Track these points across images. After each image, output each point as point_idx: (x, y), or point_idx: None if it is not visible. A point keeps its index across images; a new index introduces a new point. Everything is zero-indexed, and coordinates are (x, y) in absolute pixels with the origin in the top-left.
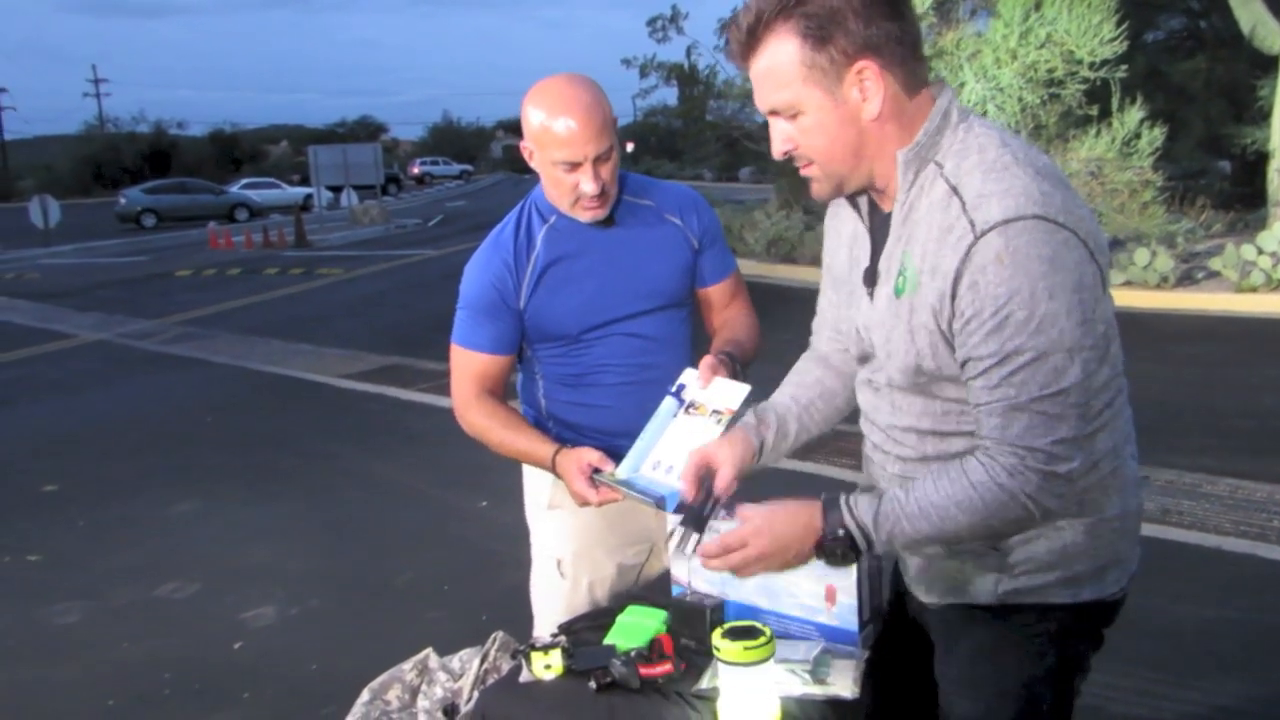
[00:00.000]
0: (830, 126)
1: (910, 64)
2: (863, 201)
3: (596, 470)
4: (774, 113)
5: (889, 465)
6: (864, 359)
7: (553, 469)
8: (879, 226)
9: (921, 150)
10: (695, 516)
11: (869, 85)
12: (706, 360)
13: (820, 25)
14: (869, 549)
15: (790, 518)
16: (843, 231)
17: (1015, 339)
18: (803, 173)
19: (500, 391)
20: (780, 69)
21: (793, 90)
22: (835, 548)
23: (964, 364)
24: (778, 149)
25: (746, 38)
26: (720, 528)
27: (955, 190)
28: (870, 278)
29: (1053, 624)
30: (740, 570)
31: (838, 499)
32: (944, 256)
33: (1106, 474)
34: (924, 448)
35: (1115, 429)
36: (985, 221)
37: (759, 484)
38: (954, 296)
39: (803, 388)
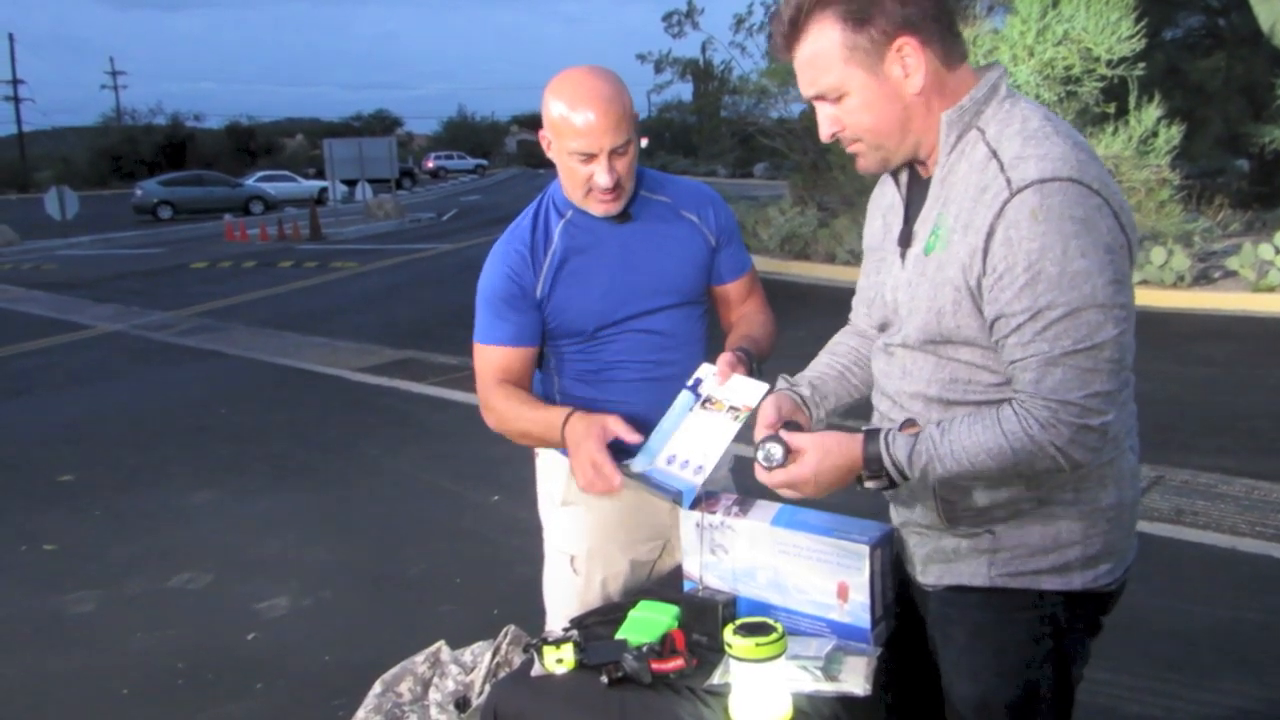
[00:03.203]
0: (875, 104)
1: (948, 38)
2: (903, 173)
3: (614, 451)
4: (819, 97)
5: None
6: (884, 326)
7: (561, 439)
8: (916, 193)
9: (965, 114)
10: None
11: (910, 61)
12: (724, 357)
13: (859, 8)
14: (905, 481)
15: (838, 447)
16: (881, 203)
17: (1047, 294)
18: (849, 149)
19: (525, 387)
20: (823, 54)
21: (836, 73)
22: (872, 480)
23: (995, 321)
24: (825, 132)
25: (789, 29)
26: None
27: (995, 153)
28: (905, 239)
29: (1047, 609)
30: (789, 487)
31: (878, 433)
32: (978, 213)
33: (1104, 463)
34: (929, 415)
35: (1119, 419)
36: (1022, 180)
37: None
38: (986, 252)
39: (837, 355)
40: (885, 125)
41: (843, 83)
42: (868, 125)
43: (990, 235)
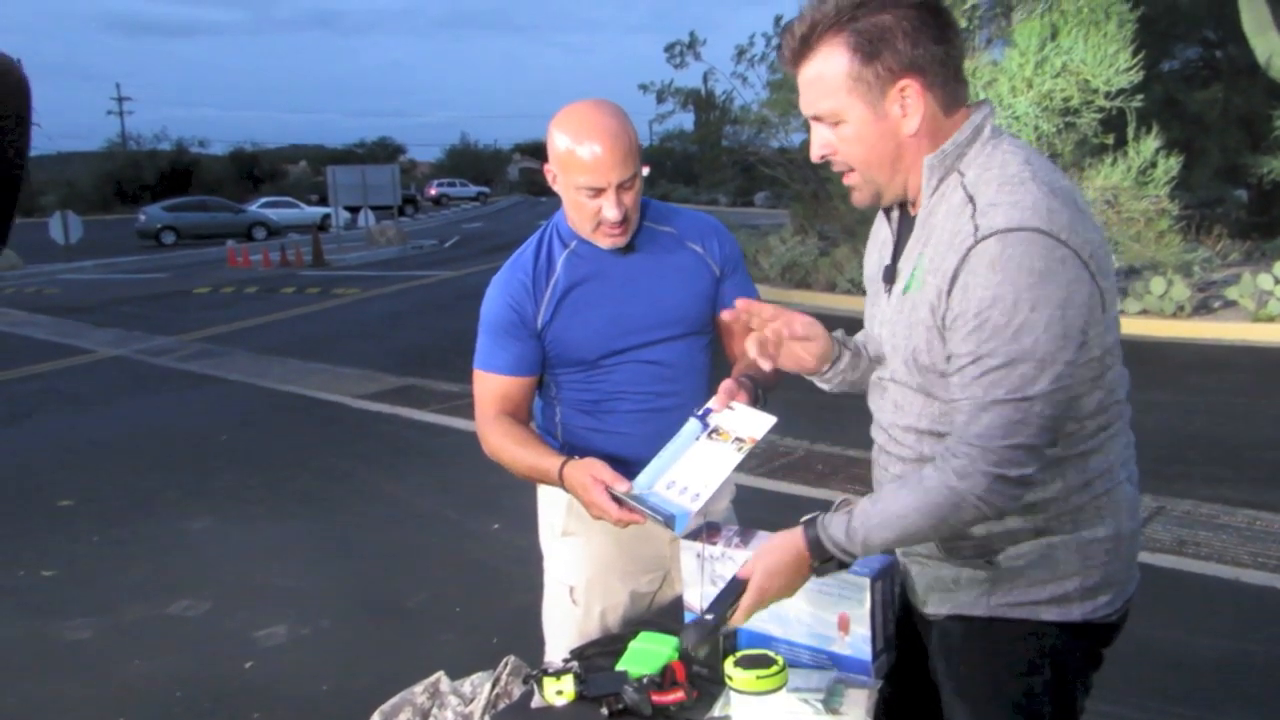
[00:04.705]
0: (869, 138)
1: (951, 85)
2: (894, 210)
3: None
4: (817, 118)
5: (891, 466)
6: (879, 359)
7: (560, 482)
8: (905, 230)
9: (947, 158)
10: (708, 628)
11: (910, 103)
12: (726, 384)
13: (870, 41)
14: (852, 559)
15: (780, 554)
16: (878, 237)
17: (989, 342)
18: (844, 180)
19: (523, 415)
20: (827, 78)
21: (837, 100)
22: (825, 569)
23: (948, 359)
24: (815, 153)
25: (799, 44)
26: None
27: (971, 198)
28: (889, 275)
29: (1046, 640)
30: (753, 611)
31: (814, 520)
32: (948, 257)
33: (1100, 494)
34: (921, 448)
35: (1110, 451)
36: (988, 228)
37: (781, 510)
38: (949, 295)
39: (873, 341)
40: (876, 159)
41: (841, 111)
42: (859, 157)
43: (954, 279)
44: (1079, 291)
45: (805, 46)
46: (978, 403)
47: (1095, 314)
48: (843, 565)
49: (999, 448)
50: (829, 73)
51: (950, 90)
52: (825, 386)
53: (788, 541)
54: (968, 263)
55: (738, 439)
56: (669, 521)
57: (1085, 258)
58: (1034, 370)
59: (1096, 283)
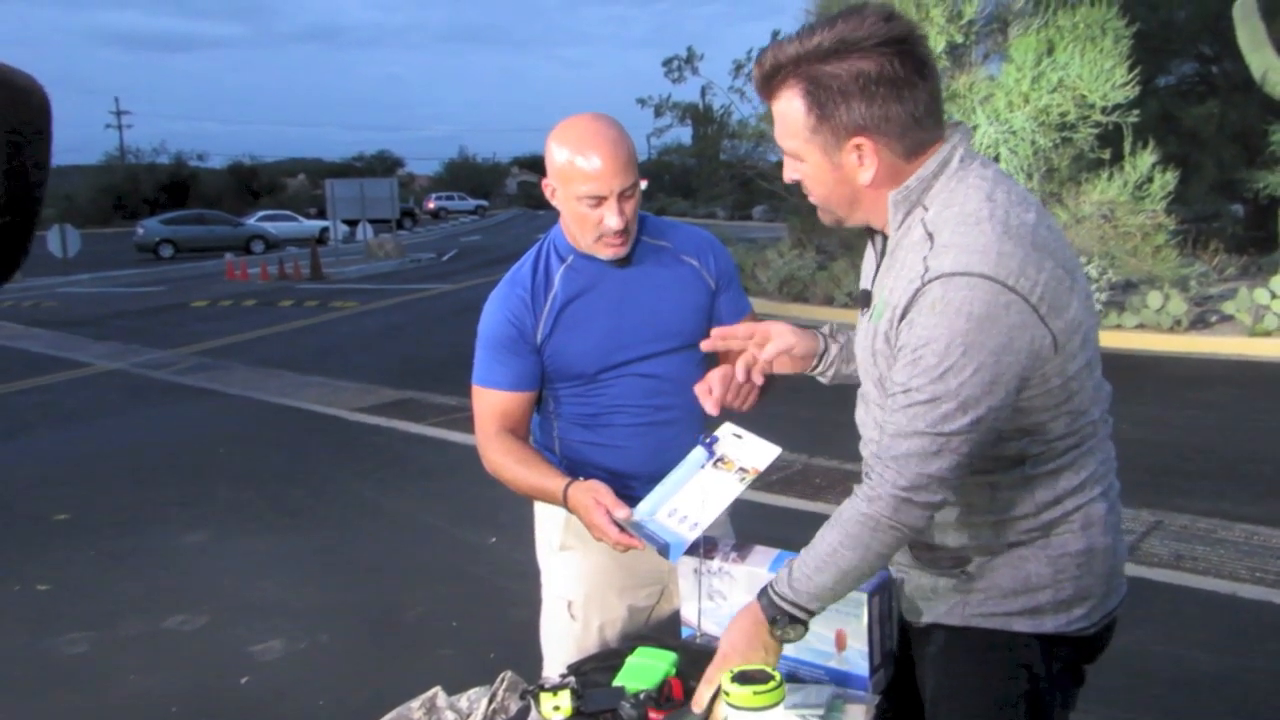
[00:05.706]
0: (826, 182)
1: (913, 135)
2: (878, 236)
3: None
4: (784, 150)
5: None
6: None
7: (564, 503)
8: (883, 256)
9: (911, 194)
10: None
11: (865, 157)
12: (721, 369)
13: (825, 99)
14: (810, 613)
15: (739, 627)
16: (868, 257)
17: (919, 378)
18: (810, 199)
19: (524, 430)
20: (788, 120)
21: (797, 143)
22: (787, 632)
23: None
24: (787, 176)
25: (762, 83)
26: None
27: (930, 236)
28: (864, 300)
29: (1019, 651)
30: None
31: (766, 589)
32: (902, 292)
33: (1070, 510)
34: None
35: (1083, 468)
36: (936, 270)
37: (778, 524)
38: (898, 327)
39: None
40: (835, 199)
41: (800, 153)
42: (818, 194)
43: (903, 315)
44: (1020, 337)
45: (768, 86)
46: (901, 429)
47: (1043, 355)
48: (803, 624)
49: (913, 473)
50: (789, 116)
51: (913, 138)
52: (823, 380)
53: (746, 612)
54: (916, 302)
55: (741, 469)
56: (664, 550)
57: (1034, 302)
58: (955, 410)
59: (1046, 325)
